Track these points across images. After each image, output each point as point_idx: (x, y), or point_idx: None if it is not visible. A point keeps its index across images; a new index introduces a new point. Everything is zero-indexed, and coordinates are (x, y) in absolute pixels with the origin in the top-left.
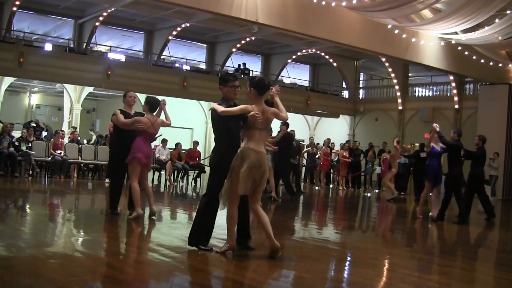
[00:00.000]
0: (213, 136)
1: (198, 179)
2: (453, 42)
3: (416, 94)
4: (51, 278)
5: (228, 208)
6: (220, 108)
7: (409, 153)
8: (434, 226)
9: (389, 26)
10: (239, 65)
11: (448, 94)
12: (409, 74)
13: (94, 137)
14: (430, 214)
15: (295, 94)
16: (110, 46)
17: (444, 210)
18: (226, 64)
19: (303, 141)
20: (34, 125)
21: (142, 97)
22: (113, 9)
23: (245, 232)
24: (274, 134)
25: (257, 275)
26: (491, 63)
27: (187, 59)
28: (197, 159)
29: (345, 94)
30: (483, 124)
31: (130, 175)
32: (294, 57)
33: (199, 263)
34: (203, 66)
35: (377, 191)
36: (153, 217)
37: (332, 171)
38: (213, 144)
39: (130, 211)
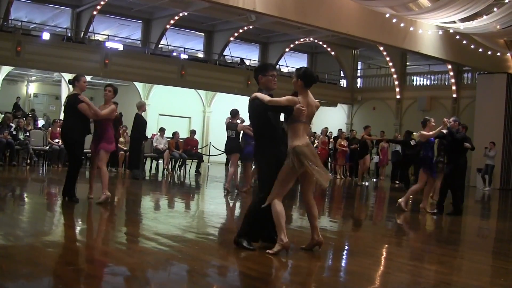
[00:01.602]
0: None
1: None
2: (451, 31)
3: (414, 83)
4: (49, 267)
5: (277, 205)
6: (266, 98)
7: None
8: (431, 216)
9: (387, 15)
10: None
11: (446, 83)
12: (407, 63)
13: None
14: (421, 205)
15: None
16: (108, 35)
17: (443, 201)
18: (224, 53)
19: None
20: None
21: (139, 86)
22: None
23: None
24: None
25: (254, 264)
26: (489, 52)
27: (184, 48)
28: (194, 148)
29: (343, 83)
30: (481, 113)
31: (103, 160)
32: (291, 46)
33: (197, 251)
34: (200, 55)
35: (374, 180)
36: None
37: (329, 160)
38: (211, 134)
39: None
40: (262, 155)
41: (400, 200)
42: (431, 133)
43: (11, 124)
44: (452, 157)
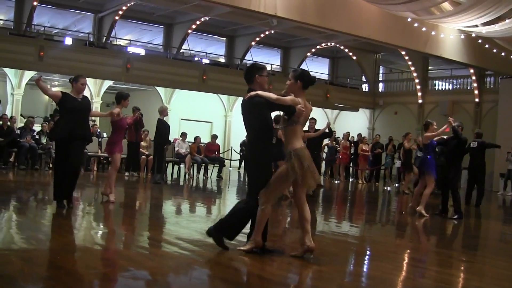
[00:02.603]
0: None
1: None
2: (473, 35)
3: (436, 87)
4: (71, 271)
5: (266, 207)
6: (273, 95)
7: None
8: (453, 221)
9: (409, 19)
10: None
11: (468, 88)
12: (429, 68)
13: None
14: (418, 208)
15: (315, 87)
16: (130, 40)
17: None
18: (245, 58)
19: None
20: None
21: (161, 91)
22: (132, 3)
23: (265, 234)
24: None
25: (276, 269)
26: (511, 56)
27: (206, 53)
28: (216, 153)
29: (365, 87)
30: (504, 118)
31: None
32: (313, 50)
33: (218, 256)
34: (222, 59)
35: (396, 185)
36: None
37: (351, 164)
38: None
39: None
40: (258, 161)
41: (418, 208)
42: (435, 132)
43: (33, 128)
44: (456, 159)
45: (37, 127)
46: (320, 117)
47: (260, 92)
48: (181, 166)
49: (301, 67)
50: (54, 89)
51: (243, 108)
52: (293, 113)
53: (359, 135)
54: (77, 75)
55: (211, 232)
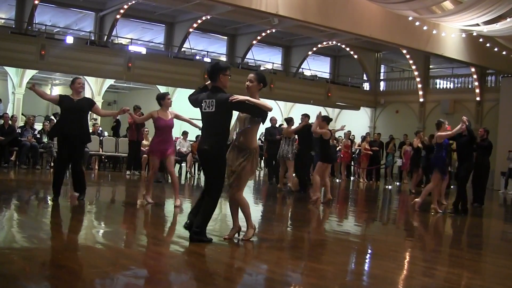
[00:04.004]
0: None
1: None
2: (474, 33)
3: (437, 86)
4: (72, 269)
5: (242, 197)
6: (257, 101)
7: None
8: (456, 219)
9: (410, 18)
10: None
11: (470, 86)
12: (430, 66)
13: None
14: (432, 206)
15: (316, 86)
16: (131, 39)
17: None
18: (247, 57)
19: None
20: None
21: (162, 89)
22: (133, 1)
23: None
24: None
25: (277, 267)
26: None
27: (207, 52)
28: None
29: (366, 86)
30: (505, 116)
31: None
32: (314, 49)
33: (220, 255)
34: (223, 58)
35: (398, 183)
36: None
37: (352, 163)
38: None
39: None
40: (224, 157)
41: (432, 206)
42: (449, 132)
43: (34, 127)
44: (468, 156)
45: (38, 126)
46: None
47: (249, 98)
48: (182, 164)
49: (302, 65)
50: (55, 88)
51: (220, 105)
52: (266, 116)
53: (367, 134)
54: (74, 77)
55: (194, 239)
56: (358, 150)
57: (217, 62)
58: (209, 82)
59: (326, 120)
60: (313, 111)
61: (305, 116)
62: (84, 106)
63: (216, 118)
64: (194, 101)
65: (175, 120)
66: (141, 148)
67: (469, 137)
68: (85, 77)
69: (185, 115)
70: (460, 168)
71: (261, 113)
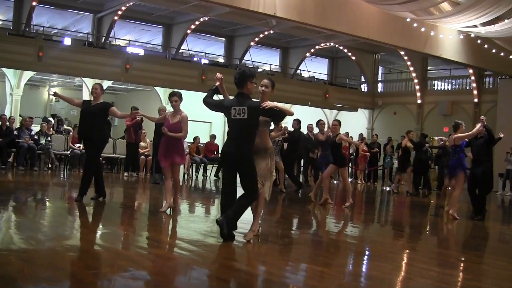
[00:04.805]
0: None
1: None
2: (472, 35)
3: (435, 87)
4: (70, 271)
5: (262, 198)
6: (283, 107)
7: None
8: (453, 221)
9: (408, 20)
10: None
11: (467, 88)
12: (428, 68)
13: None
14: (450, 211)
15: (314, 87)
16: (129, 40)
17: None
18: (244, 58)
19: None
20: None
21: (160, 91)
22: (131, 3)
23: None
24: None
25: (275, 269)
26: (511, 56)
27: (205, 53)
28: (215, 153)
29: (364, 87)
30: (503, 118)
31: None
32: (312, 50)
33: (218, 256)
34: (221, 60)
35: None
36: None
37: (350, 165)
38: None
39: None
40: (253, 159)
41: (450, 211)
42: (469, 133)
43: (31, 128)
44: (487, 158)
45: (36, 128)
46: (319, 117)
47: (277, 105)
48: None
49: (300, 67)
50: (52, 89)
51: (253, 112)
52: (283, 119)
53: (361, 135)
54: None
55: (224, 227)
56: (355, 150)
57: (244, 70)
58: (218, 84)
59: (339, 123)
60: (310, 113)
61: (298, 122)
62: (97, 110)
63: (249, 124)
64: (216, 106)
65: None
66: (139, 149)
67: (487, 137)
68: (83, 78)
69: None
70: (477, 171)
71: (283, 117)
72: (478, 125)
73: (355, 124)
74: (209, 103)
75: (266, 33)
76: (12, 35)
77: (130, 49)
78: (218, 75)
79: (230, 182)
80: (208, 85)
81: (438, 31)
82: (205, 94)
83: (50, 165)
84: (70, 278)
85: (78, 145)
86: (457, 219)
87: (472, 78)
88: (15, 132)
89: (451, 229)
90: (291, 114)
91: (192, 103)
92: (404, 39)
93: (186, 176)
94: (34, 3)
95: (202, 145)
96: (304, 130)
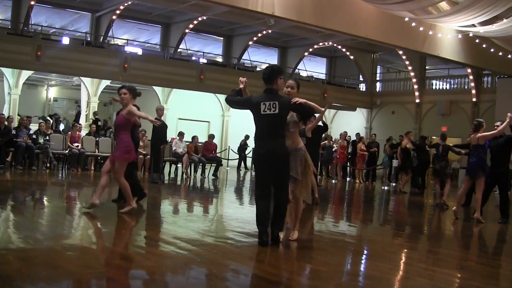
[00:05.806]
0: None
1: (217, 173)
2: (470, 34)
3: (433, 87)
4: (68, 270)
5: (300, 201)
6: (313, 104)
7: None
8: (452, 220)
9: (406, 19)
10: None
11: (466, 87)
12: (426, 67)
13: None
14: (475, 215)
15: (312, 87)
16: (127, 40)
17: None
18: (243, 57)
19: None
20: (49, 119)
21: (159, 90)
22: (129, 2)
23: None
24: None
25: (273, 268)
26: (509, 56)
27: (203, 52)
28: (213, 152)
29: (362, 87)
30: (501, 117)
31: (119, 172)
32: (310, 50)
33: (216, 255)
34: (219, 59)
35: (393, 184)
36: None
37: (348, 164)
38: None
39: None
40: (288, 156)
41: (475, 215)
42: (494, 131)
43: (29, 127)
44: (506, 156)
45: (34, 127)
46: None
47: (307, 101)
48: (178, 165)
49: (298, 66)
50: (51, 88)
51: (284, 107)
52: (309, 118)
53: (358, 134)
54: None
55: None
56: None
57: (273, 66)
58: (242, 86)
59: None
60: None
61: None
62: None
63: (280, 119)
64: (242, 103)
65: (171, 121)
66: (138, 149)
67: (507, 137)
68: (81, 77)
69: (181, 116)
70: (498, 171)
71: (311, 114)
72: (506, 122)
73: (353, 123)
74: (234, 101)
75: (264, 32)
76: (10, 34)
77: (128, 49)
78: (242, 79)
79: (267, 185)
80: (206, 84)
81: (437, 31)
82: (203, 93)
83: (48, 164)
84: (68, 277)
85: (76, 144)
86: (482, 222)
87: (471, 77)
88: (14, 132)
89: (449, 228)
90: (321, 111)
91: (191, 102)
92: (402, 38)
93: (184, 175)
94: (32, 3)
95: (200, 144)
96: None
